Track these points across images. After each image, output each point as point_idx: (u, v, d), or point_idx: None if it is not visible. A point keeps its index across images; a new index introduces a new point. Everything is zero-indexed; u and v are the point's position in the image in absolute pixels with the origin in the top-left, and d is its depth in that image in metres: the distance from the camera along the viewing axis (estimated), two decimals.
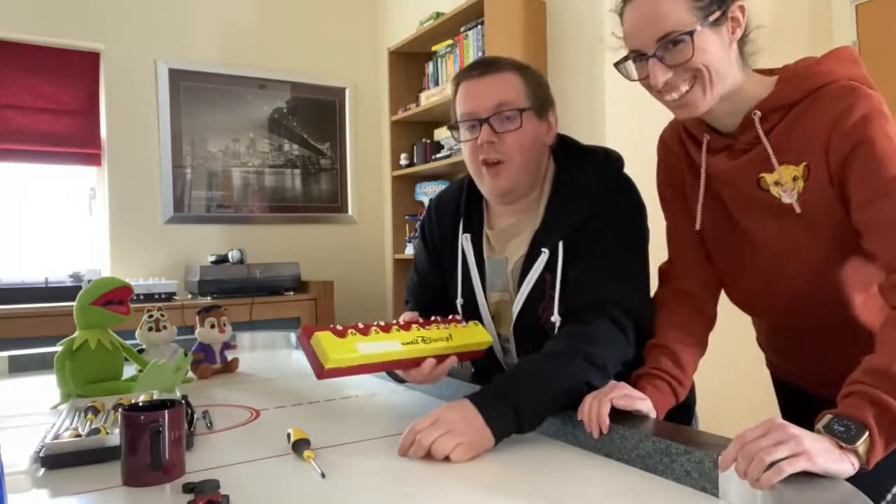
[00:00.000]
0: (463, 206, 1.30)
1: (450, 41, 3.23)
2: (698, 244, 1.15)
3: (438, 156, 3.41)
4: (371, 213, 4.24)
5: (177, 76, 3.64)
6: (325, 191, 4.13)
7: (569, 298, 1.14)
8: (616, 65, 1.03)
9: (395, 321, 1.10)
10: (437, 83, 3.42)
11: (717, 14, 0.95)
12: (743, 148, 1.02)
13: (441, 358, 1.09)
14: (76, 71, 3.44)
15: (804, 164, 0.95)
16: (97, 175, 3.56)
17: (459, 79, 1.23)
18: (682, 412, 1.14)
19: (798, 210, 0.97)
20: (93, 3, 3.43)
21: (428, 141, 3.54)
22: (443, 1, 3.36)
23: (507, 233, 1.24)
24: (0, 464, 0.60)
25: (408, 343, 1.05)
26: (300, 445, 0.92)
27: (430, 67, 3.52)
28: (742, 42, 1.01)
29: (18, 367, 1.64)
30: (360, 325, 1.05)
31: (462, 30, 3.09)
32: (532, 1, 2.85)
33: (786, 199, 0.98)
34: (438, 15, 3.29)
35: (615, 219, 1.15)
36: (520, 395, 0.95)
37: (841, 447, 0.73)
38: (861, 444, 0.73)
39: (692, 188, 1.12)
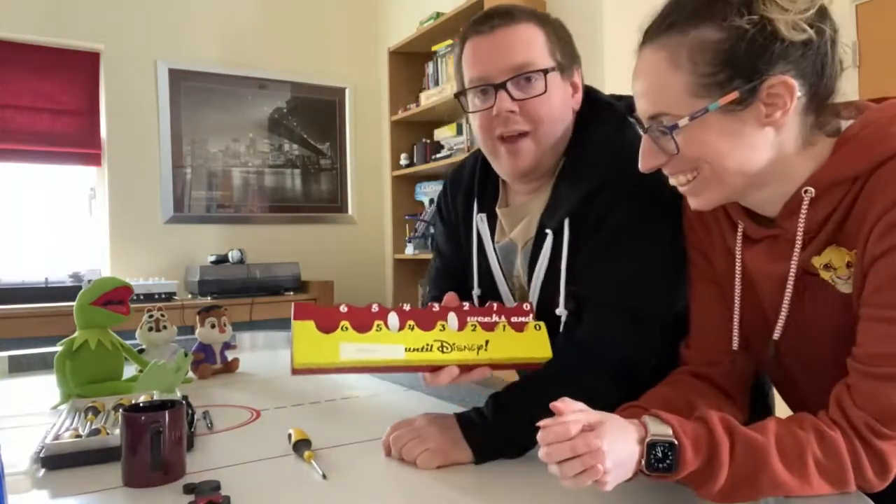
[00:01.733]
0: (477, 182, 1.12)
1: (450, 41, 3.24)
2: (729, 323, 0.88)
3: (438, 156, 3.41)
4: (371, 213, 4.24)
5: (177, 76, 3.64)
6: (325, 191, 4.13)
7: (576, 290, 0.98)
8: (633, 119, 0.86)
9: (431, 304, 0.89)
10: (437, 83, 3.42)
11: (734, 95, 0.70)
12: (794, 240, 0.77)
13: (468, 366, 0.87)
14: (76, 71, 3.44)
15: (855, 251, 0.73)
16: (97, 175, 3.56)
17: (466, 35, 1.01)
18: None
19: (856, 304, 0.74)
20: (93, 3, 3.43)
21: (428, 141, 3.54)
22: (443, 1, 3.36)
23: (517, 213, 1.08)
24: (0, 464, 0.60)
25: (415, 349, 0.84)
26: (301, 446, 0.91)
27: (430, 67, 3.52)
28: (811, 112, 0.74)
29: (18, 367, 1.63)
30: (375, 309, 0.86)
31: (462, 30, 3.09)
32: (532, 1, 2.85)
33: (842, 288, 0.75)
34: (438, 15, 3.29)
35: (629, 193, 0.93)
36: (503, 426, 0.87)
37: (640, 465, 0.67)
38: (656, 475, 0.67)
39: (725, 277, 0.88)
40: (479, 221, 1.11)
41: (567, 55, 1.02)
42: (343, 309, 0.84)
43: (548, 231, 1.00)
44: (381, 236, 4.26)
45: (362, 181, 4.22)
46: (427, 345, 0.84)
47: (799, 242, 0.76)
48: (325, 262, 3.98)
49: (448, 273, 1.21)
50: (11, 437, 1.04)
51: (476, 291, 1.13)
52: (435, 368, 0.86)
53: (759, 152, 0.74)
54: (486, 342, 0.86)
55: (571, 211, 0.97)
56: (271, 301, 3.44)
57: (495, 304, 0.90)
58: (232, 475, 0.84)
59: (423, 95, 3.49)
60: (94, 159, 3.51)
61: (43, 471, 0.86)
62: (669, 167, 0.78)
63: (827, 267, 0.76)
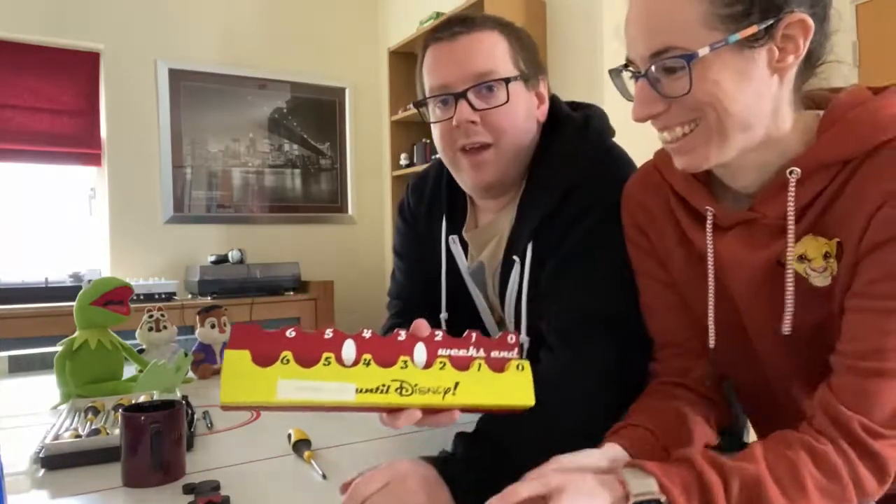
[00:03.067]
0: (445, 200, 1.08)
1: None
2: (694, 330, 0.83)
3: (438, 156, 3.41)
4: (371, 213, 4.24)
5: (177, 76, 3.64)
6: (325, 191, 4.13)
7: (541, 312, 0.92)
8: (611, 72, 0.75)
9: (398, 331, 0.74)
10: None
11: (753, 29, 0.65)
12: (773, 225, 0.71)
13: (433, 409, 0.72)
14: (76, 71, 3.43)
15: (837, 239, 0.68)
16: (97, 175, 3.56)
17: (427, 42, 0.98)
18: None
19: (835, 297, 0.69)
20: (93, 3, 3.43)
21: (428, 141, 3.54)
22: (443, 1, 3.36)
23: (483, 234, 1.04)
24: (0, 464, 0.60)
25: (368, 390, 0.69)
26: (301, 446, 0.92)
27: None
28: (804, 73, 0.71)
29: (18, 367, 1.63)
30: (329, 335, 0.71)
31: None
32: (532, 1, 2.85)
33: (816, 282, 0.70)
34: (438, 15, 3.29)
35: (592, 207, 0.90)
36: (501, 478, 0.70)
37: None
38: None
39: (686, 278, 0.82)
40: (452, 244, 1.06)
41: (531, 64, 0.98)
42: (290, 334, 0.71)
43: (515, 258, 0.96)
44: (381, 236, 4.26)
45: (362, 181, 4.22)
46: (383, 385, 0.70)
47: (791, 226, 0.69)
48: (325, 262, 3.98)
49: (419, 283, 1.14)
50: (11, 437, 1.04)
51: (443, 315, 1.07)
52: (394, 409, 0.72)
53: (763, 102, 0.68)
54: (456, 384, 0.72)
55: (533, 232, 0.94)
56: (271, 301, 3.44)
57: (474, 335, 0.75)
58: (232, 475, 0.84)
59: None
60: (94, 159, 3.51)
61: (43, 471, 0.86)
62: (666, 117, 0.70)
63: (801, 258, 0.70)
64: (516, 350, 0.76)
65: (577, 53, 2.76)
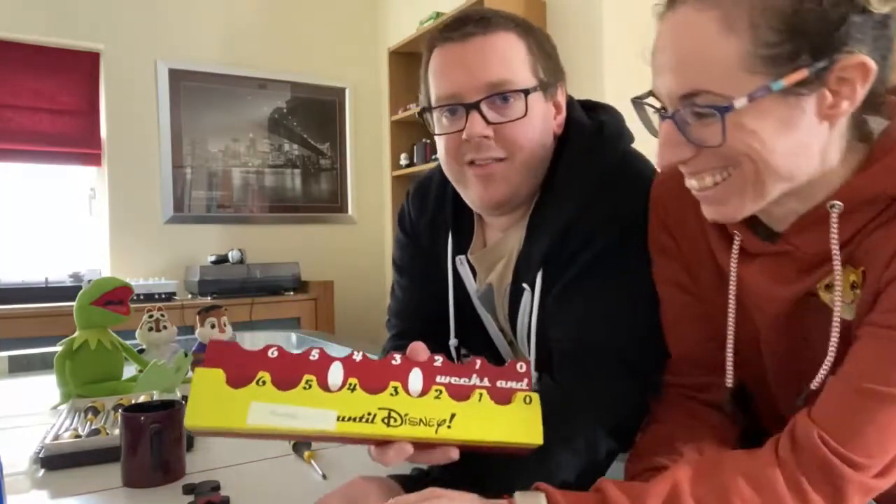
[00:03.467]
0: (450, 215, 0.98)
1: None
2: (711, 332, 0.76)
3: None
4: (371, 213, 4.24)
5: (177, 76, 3.63)
6: (325, 191, 4.13)
7: (551, 344, 0.85)
8: (634, 102, 0.67)
9: (393, 354, 0.67)
10: None
11: (802, 74, 0.55)
12: (804, 260, 0.64)
13: (426, 443, 0.65)
14: (76, 71, 3.43)
15: (862, 268, 0.61)
16: (97, 175, 3.56)
17: (435, 42, 0.86)
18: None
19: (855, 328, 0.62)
20: (93, 3, 3.43)
21: (428, 141, 3.54)
22: (443, 1, 3.36)
23: (491, 255, 0.95)
24: (0, 464, 0.60)
25: (350, 419, 0.62)
26: (301, 446, 0.92)
27: None
28: (863, 111, 0.60)
29: (18, 367, 1.63)
30: (314, 356, 0.65)
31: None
32: (532, 1, 2.85)
33: (844, 314, 0.62)
34: (438, 15, 3.29)
35: (603, 228, 0.82)
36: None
37: None
38: None
39: (712, 295, 0.75)
40: (459, 264, 0.97)
41: (551, 71, 0.87)
42: (272, 353, 0.64)
43: (524, 286, 0.88)
44: (381, 236, 4.26)
45: (362, 181, 4.22)
46: (368, 414, 0.62)
47: (838, 265, 0.61)
48: (325, 262, 3.98)
49: (421, 301, 1.05)
50: (11, 437, 1.04)
51: (453, 342, 0.99)
52: (382, 441, 0.64)
53: (809, 152, 0.59)
54: (452, 416, 0.64)
55: (543, 259, 0.86)
56: (271, 301, 3.44)
57: (479, 361, 0.67)
58: (232, 475, 0.84)
59: None
60: (94, 159, 3.51)
61: (43, 471, 0.86)
62: (695, 163, 0.62)
63: (829, 287, 0.63)
64: (527, 380, 0.67)
65: (578, 53, 2.76)
